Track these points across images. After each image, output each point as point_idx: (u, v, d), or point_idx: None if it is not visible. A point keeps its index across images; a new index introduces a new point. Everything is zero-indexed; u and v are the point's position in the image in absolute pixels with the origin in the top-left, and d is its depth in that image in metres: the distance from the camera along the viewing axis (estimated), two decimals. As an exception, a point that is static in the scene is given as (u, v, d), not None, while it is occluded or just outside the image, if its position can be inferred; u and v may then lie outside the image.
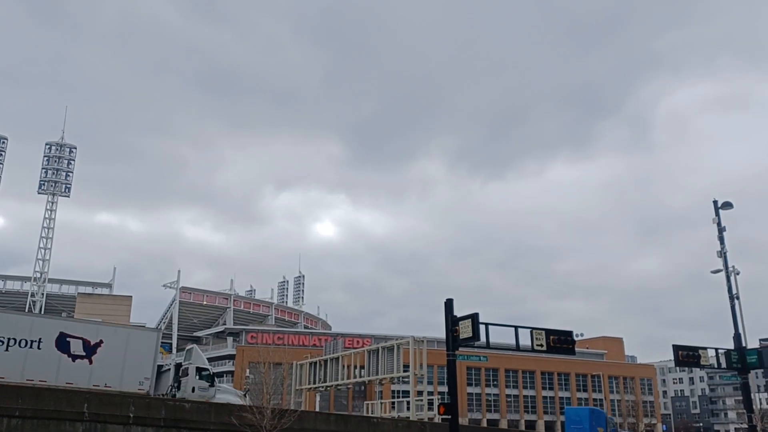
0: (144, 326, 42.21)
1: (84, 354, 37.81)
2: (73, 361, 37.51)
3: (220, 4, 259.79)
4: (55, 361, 36.79)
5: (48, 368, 36.38)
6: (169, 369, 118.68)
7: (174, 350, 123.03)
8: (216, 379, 44.20)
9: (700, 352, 35.72)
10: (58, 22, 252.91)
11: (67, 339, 37.77)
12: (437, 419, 43.79)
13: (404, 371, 54.26)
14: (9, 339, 35.88)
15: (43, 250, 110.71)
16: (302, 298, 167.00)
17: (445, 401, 28.09)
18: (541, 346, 28.80)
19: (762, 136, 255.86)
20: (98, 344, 38.24)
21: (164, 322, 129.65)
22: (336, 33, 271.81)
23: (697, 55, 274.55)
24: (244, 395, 44.04)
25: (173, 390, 42.84)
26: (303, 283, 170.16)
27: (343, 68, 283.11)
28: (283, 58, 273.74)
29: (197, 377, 40.89)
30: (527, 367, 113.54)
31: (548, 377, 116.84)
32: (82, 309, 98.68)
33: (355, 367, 61.84)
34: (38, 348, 36.54)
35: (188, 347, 41.64)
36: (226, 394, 42.84)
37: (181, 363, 45.38)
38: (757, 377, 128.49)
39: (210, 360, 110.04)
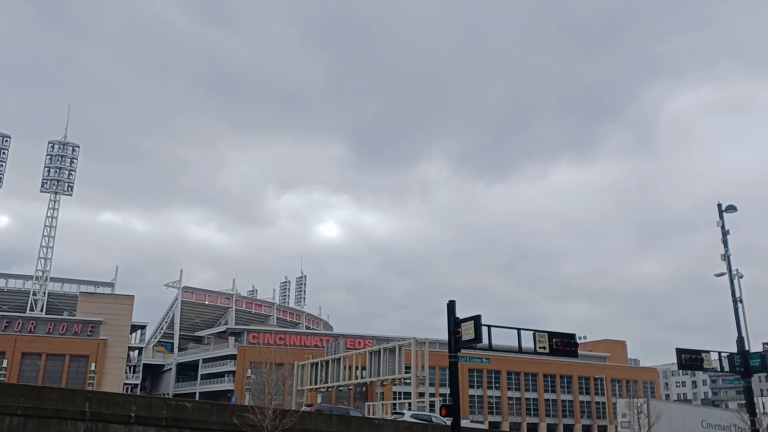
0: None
1: None
2: None
3: (225, 7, 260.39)
4: None
5: None
6: (170, 369, 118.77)
7: (176, 350, 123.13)
8: None
9: (703, 355, 35.67)
10: (63, 23, 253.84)
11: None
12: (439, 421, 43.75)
13: (406, 372, 54.24)
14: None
15: (45, 249, 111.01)
16: (304, 298, 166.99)
17: (447, 403, 28.11)
18: (544, 348, 28.82)
19: (764, 140, 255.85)
20: None
21: (166, 322, 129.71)
22: (340, 36, 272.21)
23: (700, 60, 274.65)
24: None
25: None
26: (305, 284, 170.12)
27: (347, 71, 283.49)
28: (287, 60, 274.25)
29: None
30: (529, 369, 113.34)
31: (551, 380, 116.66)
32: (83, 308, 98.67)
33: (357, 368, 61.82)
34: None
35: None
36: None
37: None
38: (760, 381, 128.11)
39: (211, 360, 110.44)
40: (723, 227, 36.12)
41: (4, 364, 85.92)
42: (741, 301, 35.30)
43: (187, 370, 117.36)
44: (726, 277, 35.63)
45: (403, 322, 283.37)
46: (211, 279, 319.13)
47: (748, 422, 35.74)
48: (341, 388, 69.58)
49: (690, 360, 35.51)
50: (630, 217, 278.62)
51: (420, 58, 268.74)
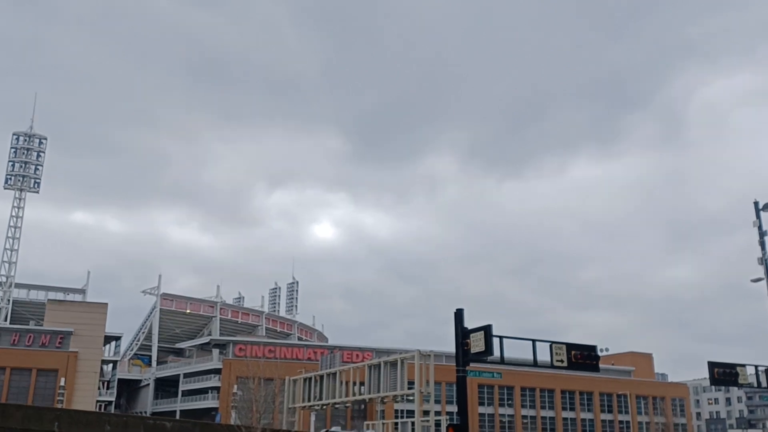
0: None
1: None
2: None
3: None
4: None
5: None
6: (148, 384, 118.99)
7: (154, 363, 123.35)
8: None
9: (738, 369, 35.73)
10: (30, 2, 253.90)
11: None
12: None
13: (409, 389, 54.33)
14: None
15: (9, 252, 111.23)
16: (296, 306, 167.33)
17: (455, 422, 28.17)
18: (562, 361, 28.87)
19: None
20: None
21: (143, 333, 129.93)
22: (338, 17, 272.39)
23: (735, 43, 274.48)
24: None
25: None
26: (297, 291, 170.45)
27: (345, 55, 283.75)
28: (279, 43, 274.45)
29: None
30: (546, 385, 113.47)
31: (569, 396, 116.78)
32: (51, 317, 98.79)
33: (355, 383, 61.99)
34: None
35: None
36: None
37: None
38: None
39: (193, 375, 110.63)
40: (760, 227, 36.18)
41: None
42: (780, 310, 35.32)
43: (167, 386, 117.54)
44: (763, 283, 35.69)
45: (407, 333, 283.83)
46: (193, 285, 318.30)
47: None
48: (337, 406, 69.73)
49: (723, 374, 35.59)
50: (658, 217, 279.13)
51: (425, 41, 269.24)
